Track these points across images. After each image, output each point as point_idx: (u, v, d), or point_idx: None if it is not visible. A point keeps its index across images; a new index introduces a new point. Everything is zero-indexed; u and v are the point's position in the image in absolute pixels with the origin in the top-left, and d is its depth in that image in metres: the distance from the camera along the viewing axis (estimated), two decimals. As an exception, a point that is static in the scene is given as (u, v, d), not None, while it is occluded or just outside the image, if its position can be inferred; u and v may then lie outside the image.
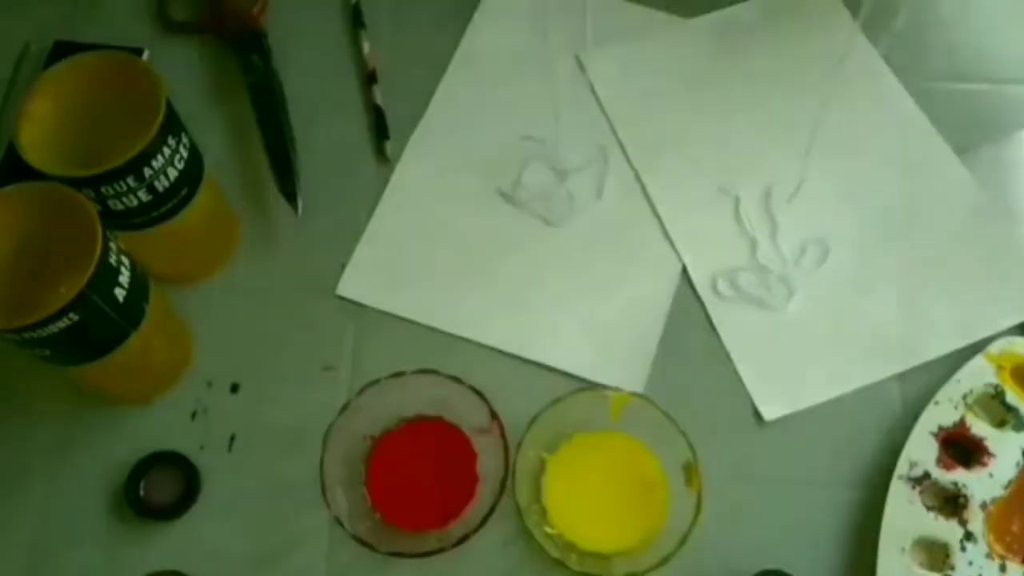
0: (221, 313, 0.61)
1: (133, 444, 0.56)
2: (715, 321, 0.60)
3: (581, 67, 0.69)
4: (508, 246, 0.63)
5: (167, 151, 0.51)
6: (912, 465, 0.54)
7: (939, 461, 0.53)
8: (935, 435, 0.54)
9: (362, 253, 0.63)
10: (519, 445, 0.52)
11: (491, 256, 0.63)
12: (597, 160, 0.66)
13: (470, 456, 0.55)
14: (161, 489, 0.55)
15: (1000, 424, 0.55)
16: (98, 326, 0.48)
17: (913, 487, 0.53)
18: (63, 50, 0.68)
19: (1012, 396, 0.55)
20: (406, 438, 0.56)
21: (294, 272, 0.62)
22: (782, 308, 0.60)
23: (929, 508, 0.53)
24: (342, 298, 0.61)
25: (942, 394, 0.55)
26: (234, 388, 0.59)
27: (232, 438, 0.57)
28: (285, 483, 0.55)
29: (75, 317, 0.46)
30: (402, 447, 0.55)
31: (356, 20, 0.71)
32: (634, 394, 0.54)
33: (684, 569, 0.50)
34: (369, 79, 0.69)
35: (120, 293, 0.49)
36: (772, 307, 0.60)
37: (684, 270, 0.62)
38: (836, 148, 0.66)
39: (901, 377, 0.58)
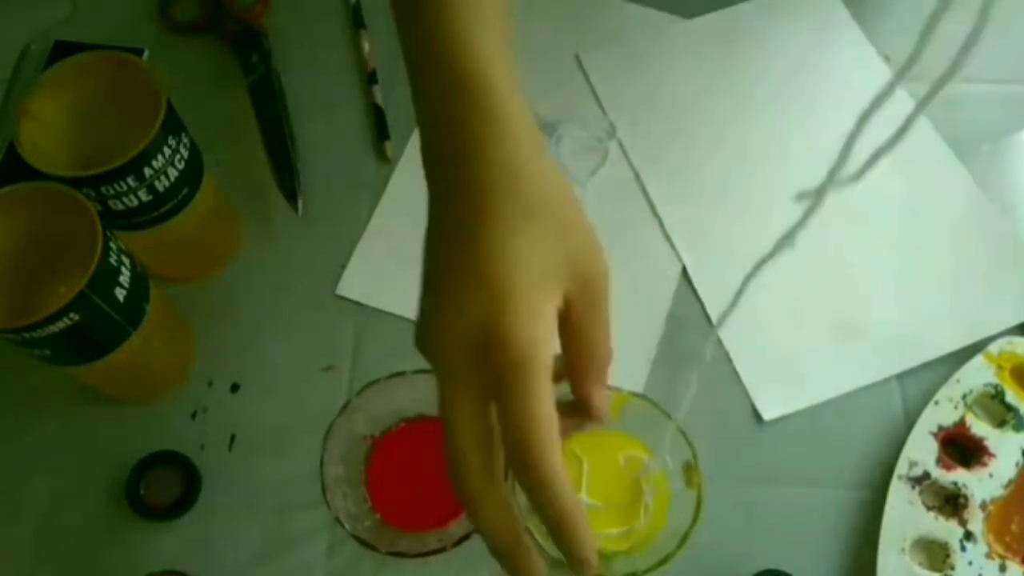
0: (221, 313, 0.61)
1: (133, 444, 0.56)
2: (714, 322, 0.60)
3: (581, 67, 0.69)
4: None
5: (167, 151, 0.51)
6: (912, 465, 0.54)
7: (939, 461, 0.53)
8: (935, 435, 0.54)
9: (362, 253, 0.63)
10: (519, 445, 0.52)
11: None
12: (597, 160, 0.66)
13: (470, 456, 0.55)
14: (161, 489, 0.55)
15: (1000, 424, 0.55)
16: (98, 326, 0.48)
17: (913, 487, 0.53)
18: (63, 50, 0.68)
19: (1012, 396, 0.55)
20: (406, 438, 0.56)
21: (294, 272, 0.62)
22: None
23: (929, 508, 0.53)
24: (342, 298, 0.61)
25: (942, 394, 0.55)
26: (234, 388, 0.59)
27: (232, 438, 0.57)
28: (285, 483, 0.55)
29: (75, 317, 0.46)
30: (402, 447, 0.55)
31: (356, 20, 0.71)
32: (634, 394, 0.54)
33: (684, 569, 0.50)
34: (369, 79, 0.69)
35: (120, 293, 0.49)
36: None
37: (684, 270, 0.62)
38: (836, 148, 0.66)
39: (901, 377, 0.58)
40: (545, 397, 0.33)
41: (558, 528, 0.34)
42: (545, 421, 0.33)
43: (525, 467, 0.33)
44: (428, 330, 0.35)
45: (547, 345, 0.33)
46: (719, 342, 0.59)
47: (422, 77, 0.38)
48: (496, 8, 0.38)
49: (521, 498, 0.51)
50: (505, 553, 0.37)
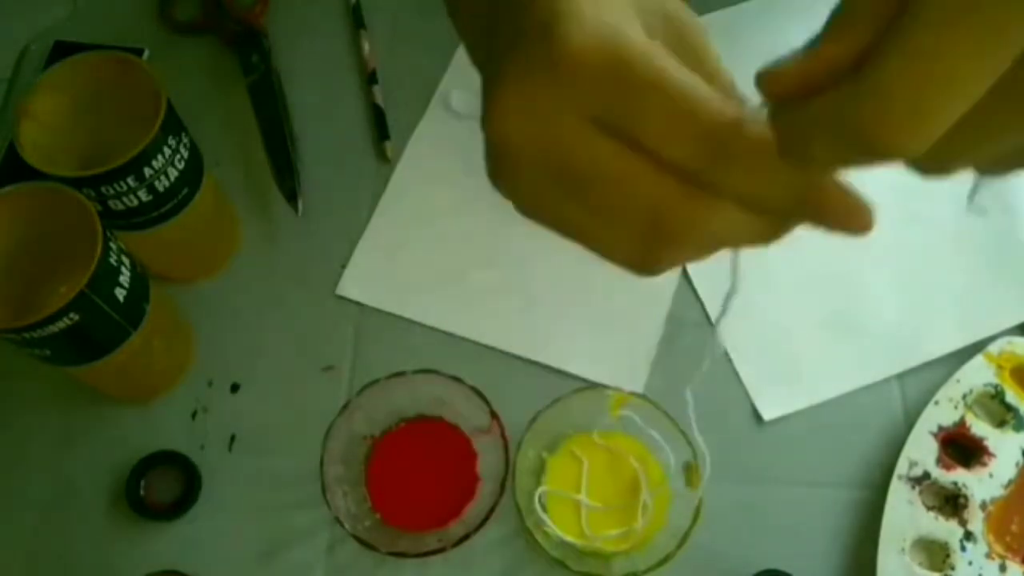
0: (221, 313, 0.61)
1: (133, 444, 0.56)
2: (714, 322, 0.60)
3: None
4: (508, 247, 0.63)
5: (167, 151, 0.51)
6: (912, 465, 0.54)
7: (939, 461, 0.53)
8: (935, 435, 0.54)
9: (362, 253, 0.63)
10: (519, 445, 0.52)
11: (491, 256, 0.63)
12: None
13: (470, 456, 0.55)
14: (161, 489, 0.55)
15: (1000, 424, 0.55)
16: (98, 326, 0.48)
17: (913, 487, 0.53)
18: (63, 50, 0.68)
19: (1012, 396, 0.55)
20: (406, 438, 0.56)
21: (294, 272, 0.62)
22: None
23: (929, 508, 0.53)
24: (342, 298, 0.61)
25: (942, 394, 0.55)
26: (234, 388, 0.59)
27: (232, 438, 0.57)
28: (285, 483, 0.55)
29: (75, 317, 0.46)
30: (402, 447, 0.55)
31: (356, 20, 0.71)
32: (634, 394, 0.54)
33: (684, 569, 0.50)
34: (369, 79, 0.69)
35: (120, 293, 0.49)
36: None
37: (684, 270, 0.62)
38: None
39: (901, 377, 0.58)
40: (657, 56, 0.25)
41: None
42: (674, 73, 0.25)
43: (696, 138, 0.25)
44: (490, 124, 0.27)
45: (629, 38, 0.25)
46: (720, 346, 0.59)
47: None
48: None
49: (521, 498, 0.51)
50: (780, 199, 0.25)
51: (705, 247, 0.27)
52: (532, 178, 0.27)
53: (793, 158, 0.24)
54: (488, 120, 0.26)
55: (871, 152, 0.21)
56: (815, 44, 0.23)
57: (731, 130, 0.25)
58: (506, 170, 0.28)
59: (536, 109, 0.26)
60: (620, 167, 0.26)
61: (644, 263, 0.28)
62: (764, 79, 0.24)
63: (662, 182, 0.26)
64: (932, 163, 0.24)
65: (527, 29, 0.26)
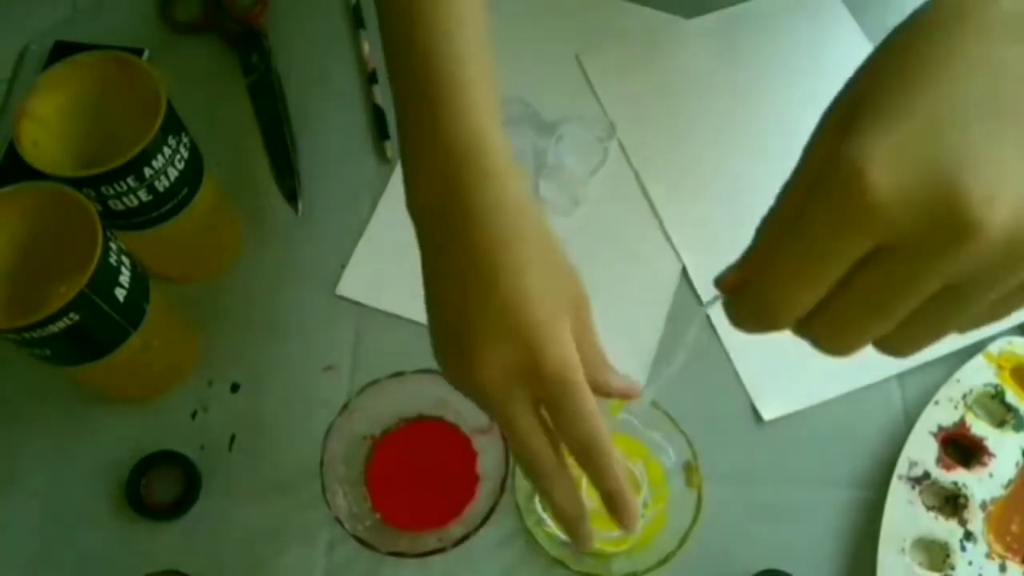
0: (221, 313, 0.61)
1: (133, 444, 0.56)
2: (715, 321, 0.60)
3: (581, 67, 0.69)
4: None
5: (167, 151, 0.51)
6: (912, 465, 0.54)
7: (939, 461, 0.53)
8: (935, 435, 0.54)
9: (362, 253, 0.63)
10: (519, 445, 0.52)
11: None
12: (597, 160, 0.66)
13: (470, 456, 0.55)
14: (161, 489, 0.55)
15: (1000, 424, 0.55)
16: (98, 326, 0.48)
17: (913, 487, 0.53)
18: (63, 50, 0.68)
19: (1012, 396, 0.55)
20: (406, 438, 0.56)
21: (294, 272, 0.62)
22: None
23: (929, 508, 0.53)
24: (342, 298, 0.61)
25: (942, 394, 0.55)
26: (234, 388, 0.59)
27: (232, 438, 0.57)
28: (285, 483, 0.55)
29: (75, 317, 0.46)
30: (402, 447, 0.55)
31: (356, 20, 0.71)
32: (634, 394, 0.54)
33: (684, 569, 0.50)
34: (369, 79, 0.69)
35: (120, 293, 0.49)
36: None
37: (684, 270, 0.62)
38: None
39: (901, 377, 0.58)
40: (591, 397, 0.40)
41: (613, 495, 0.42)
42: (597, 415, 0.40)
43: (590, 455, 0.40)
44: (471, 376, 0.40)
45: (576, 359, 0.40)
46: (712, 328, 0.59)
47: (409, 133, 0.44)
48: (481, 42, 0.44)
49: (521, 498, 0.51)
50: (574, 520, 0.43)
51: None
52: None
53: (738, 329, 0.37)
54: (471, 377, 0.40)
55: (763, 325, 0.36)
56: (742, 260, 0.37)
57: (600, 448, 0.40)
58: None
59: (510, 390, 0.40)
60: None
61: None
62: (716, 281, 0.37)
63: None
64: (825, 343, 0.38)
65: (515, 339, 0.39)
